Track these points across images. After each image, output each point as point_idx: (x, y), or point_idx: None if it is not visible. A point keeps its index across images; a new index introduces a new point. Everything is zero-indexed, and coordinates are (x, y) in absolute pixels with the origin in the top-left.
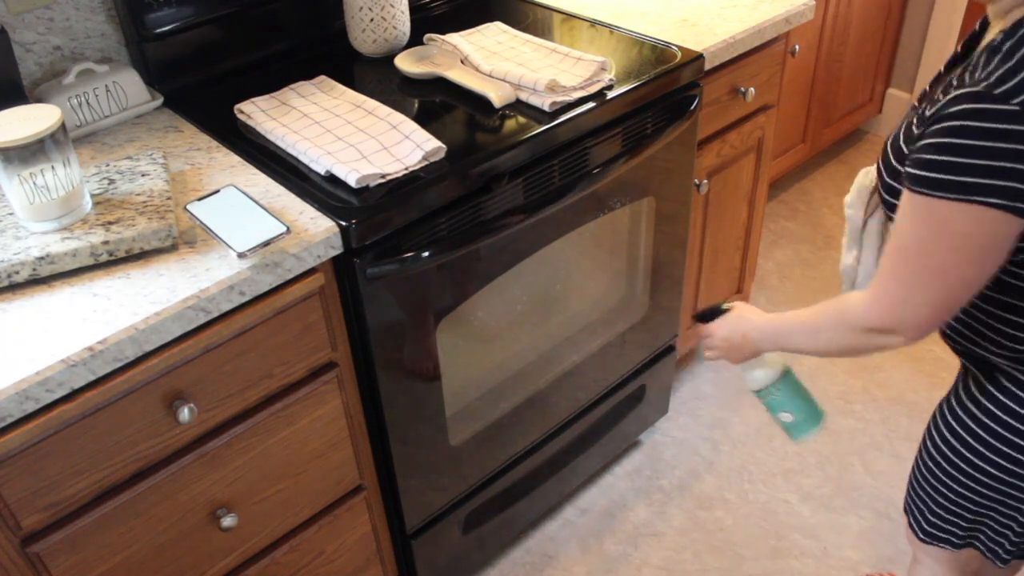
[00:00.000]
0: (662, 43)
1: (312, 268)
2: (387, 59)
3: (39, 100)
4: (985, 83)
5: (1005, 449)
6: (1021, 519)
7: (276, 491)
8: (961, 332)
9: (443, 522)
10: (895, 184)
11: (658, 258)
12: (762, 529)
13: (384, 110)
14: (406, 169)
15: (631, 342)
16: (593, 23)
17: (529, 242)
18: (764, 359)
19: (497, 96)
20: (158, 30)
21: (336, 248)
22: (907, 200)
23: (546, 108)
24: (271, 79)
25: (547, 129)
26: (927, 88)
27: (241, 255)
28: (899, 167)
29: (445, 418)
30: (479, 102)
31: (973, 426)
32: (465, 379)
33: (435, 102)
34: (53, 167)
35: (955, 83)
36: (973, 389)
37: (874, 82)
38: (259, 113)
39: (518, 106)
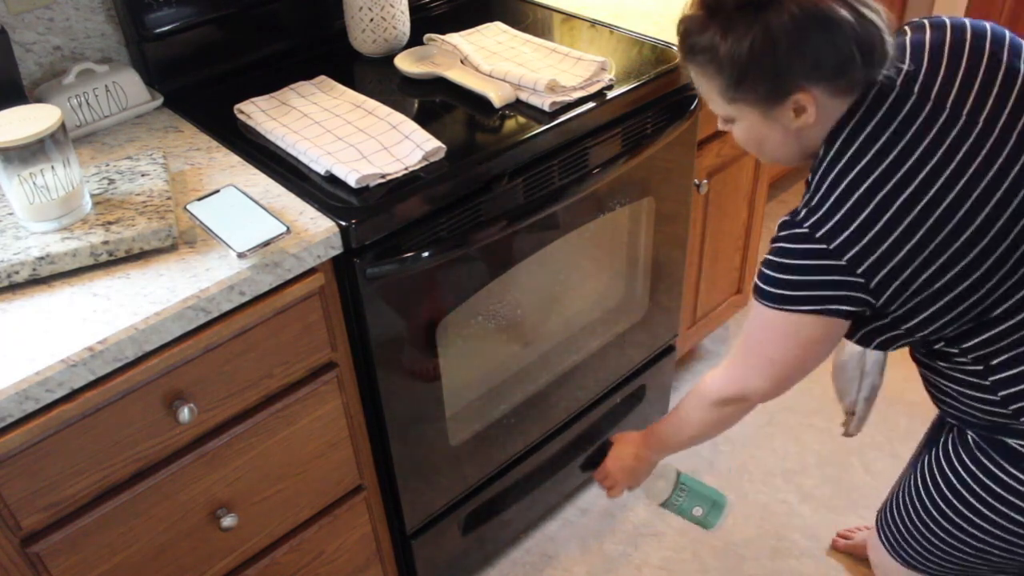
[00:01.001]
0: (662, 43)
1: (312, 268)
2: (387, 59)
3: (39, 100)
4: (800, 214)
5: (989, 512)
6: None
7: (276, 491)
8: (941, 400)
9: (443, 522)
10: None
11: (658, 258)
12: (762, 529)
13: (384, 110)
14: (406, 169)
15: (631, 342)
16: (593, 23)
17: (529, 242)
18: (658, 470)
19: (497, 96)
20: (158, 30)
21: (336, 248)
22: (752, 306)
23: (546, 108)
24: (271, 79)
25: (547, 129)
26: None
27: (241, 255)
28: None
29: (445, 418)
30: (479, 102)
31: (959, 482)
32: (465, 379)
33: (435, 102)
34: (53, 167)
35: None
36: (959, 445)
37: None
38: (259, 113)
39: (518, 106)
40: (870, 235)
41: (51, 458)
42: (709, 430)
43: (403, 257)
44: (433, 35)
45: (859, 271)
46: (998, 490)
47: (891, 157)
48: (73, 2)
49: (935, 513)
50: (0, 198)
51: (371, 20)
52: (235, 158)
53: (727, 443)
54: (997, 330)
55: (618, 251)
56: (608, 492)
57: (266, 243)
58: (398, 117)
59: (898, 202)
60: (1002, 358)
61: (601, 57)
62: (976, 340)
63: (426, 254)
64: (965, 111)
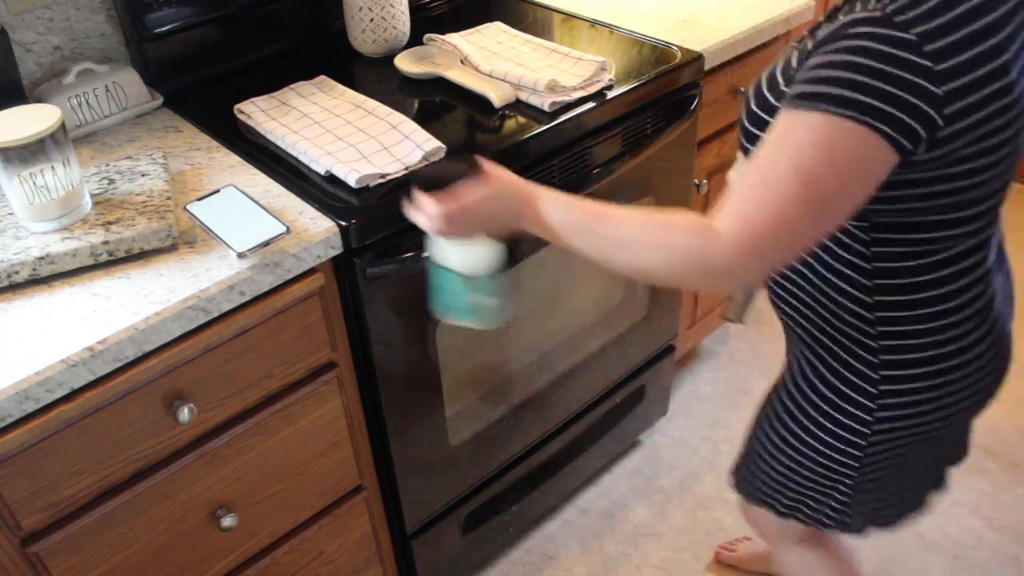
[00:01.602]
0: (662, 43)
1: (312, 268)
2: (387, 59)
3: (39, 100)
4: (884, 10)
5: (821, 433)
6: (838, 496)
7: (276, 491)
8: (794, 297)
9: (443, 522)
10: (756, 131)
11: None
12: None
13: (384, 110)
14: (406, 169)
15: (631, 342)
16: (593, 23)
17: (529, 242)
18: (485, 240)
19: (497, 96)
20: (158, 30)
21: (336, 248)
22: (783, 118)
23: (546, 108)
24: (271, 79)
25: (547, 129)
26: (806, 33)
27: (241, 255)
28: (775, 101)
29: (445, 418)
30: (479, 102)
31: (797, 409)
32: (465, 379)
33: (435, 102)
34: (53, 167)
35: (845, 15)
36: (804, 371)
37: None
38: (259, 113)
39: (518, 106)
40: (975, 75)
41: (51, 458)
42: (656, 262)
43: (403, 257)
44: (433, 35)
45: (947, 110)
46: (828, 409)
47: (1007, 8)
48: (73, 2)
49: (779, 435)
50: (0, 198)
51: (371, 20)
52: (235, 158)
53: (727, 443)
54: (924, 235)
55: None
56: (430, 222)
57: (266, 243)
58: (398, 117)
59: (1003, 57)
60: (902, 264)
61: (601, 57)
62: (897, 236)
63: (426, 254)
64: None
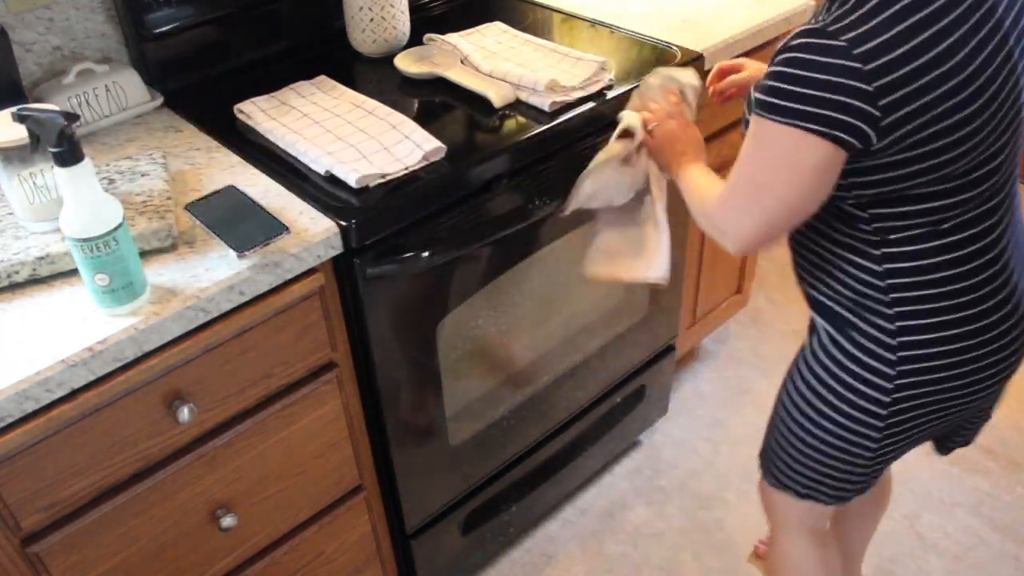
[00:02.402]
0: (662, 43)
1: (312, 268)
2: (387, 59)
3: (39, 100)
4: (821, 23)
5: (843, 405)
6: (857, 471)
7: (276, 491)
8: (811, 273)
9: (443, 522)
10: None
11: None
12: (762, 529)
13: (384, 110)
14: (406, 169)
15: (631, 342)
16: (593, 23)
17: (529, 242)
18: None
19: (497, 96)
20: (158, 30)
21: (336, 248)
22: (752, 122)
23: (546, 108)
24: (271, 79)
25: (547, 129)
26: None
27: (241, 255)
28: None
29: (445, 418)
30: (479, 102)
31: (820, 381)
32: (465, 379)
33: (435, 102)
34: (53, 167)
35: (813, 19)
36: (824, 344)
37: None
38: (259, 113)
39: (518, 106)
40: (907, 69)
41: (51, 458)
42: (699, 220)
43: (403, 257)
44: (433, 35)
45: (881, 103)
46: (843, 375)
47: (936, 5)
48: (73, 2)
49: (797, 415)
50: (0, 198)
51: (371, 20)
52: (235, 158)
53: (727, 443)
54: (919, 207)
55: None
56: (653, 126)
57: (266, 243)
58: (398, 117)
59: (936, 50)
60: (905, 234)
61: (601, 57)
62: (892, 210)
63: (426, 254)
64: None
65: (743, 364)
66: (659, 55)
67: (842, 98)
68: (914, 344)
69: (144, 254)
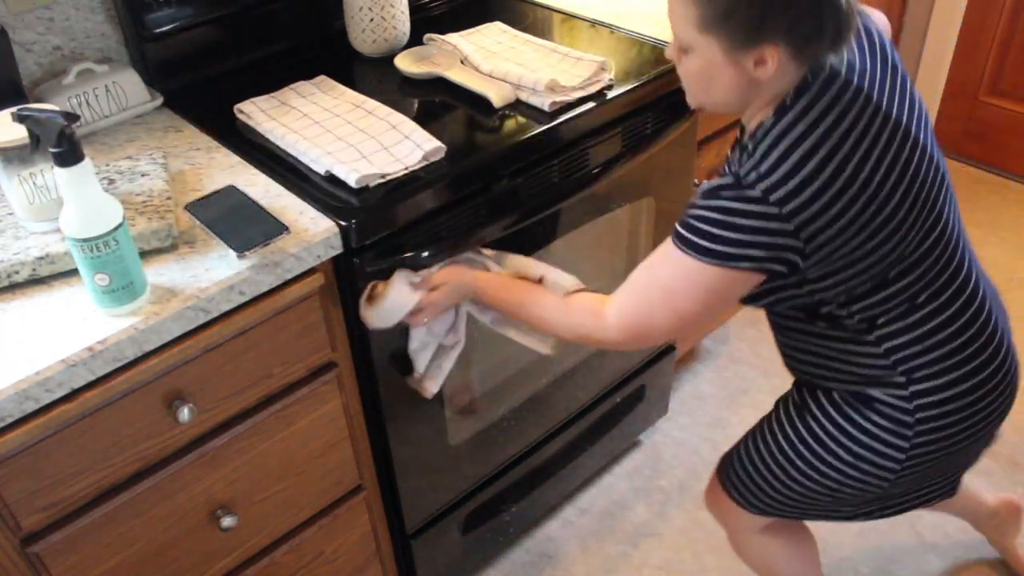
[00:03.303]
0: (662, 43)
1: (312, 268)
2: (387, 59)
3: (39, 100)
4: (736, 176)
5: (816, 461)
6: (845, 511)
7: (276, 491)
8: (809, 372)
9: (443, 522)
10: None
11: None
12: None
13: (384, 110)
14: (406, 169)
15: None
16: (593, 23)
17: (529, 242)
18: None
19: (497, 96)
20: (158, 30)
21: (336, 248)
22: (669, 246)
23: (546, 108)
24: (271, 79)
25: (547, 129)
26: (729, 151)
27: (241, 255)
28: None
29: (445, 418)
30: (479, 102)
31: (805, 431)
32: (465, 379)
33: (435, 102)
34: (53, 167)
35: (727, 167)
36: (836, 401)
37: None
38: (259, 113)
39: (518, 106)
40: (818, 204)
41: (51, 458)
42: (564, 334)
43: (403, 257)
44: (433, 35)
45: (803, 235)
46: (863, 438)
47: (835, 136)
48: (73, 2)
49: (798, 462)
50: (0, 198)
51: (371, 20)
52: (235, 158)
53: (727, 443)
54: (889, 291)
55: (618, 251)
56: (422, 311)
57: (266, 243)
58: (398, 117)
59: (843, 177)
60: (890, 315)
61: (601, 57)
62: (868, 301)
63: (426, 254)
64: (884, 102)
65: (743, 364)
66: (659, 55)
67: (768, 239)
68: (929, 405)
69: (144, 254)
